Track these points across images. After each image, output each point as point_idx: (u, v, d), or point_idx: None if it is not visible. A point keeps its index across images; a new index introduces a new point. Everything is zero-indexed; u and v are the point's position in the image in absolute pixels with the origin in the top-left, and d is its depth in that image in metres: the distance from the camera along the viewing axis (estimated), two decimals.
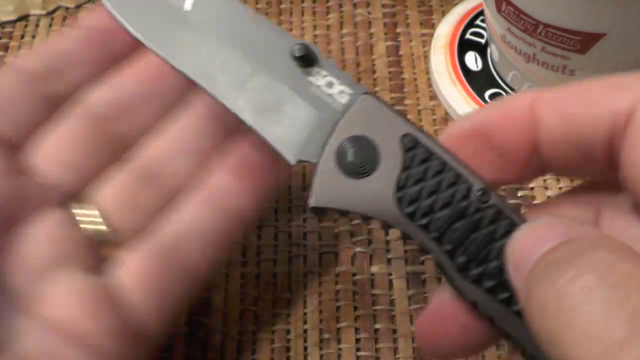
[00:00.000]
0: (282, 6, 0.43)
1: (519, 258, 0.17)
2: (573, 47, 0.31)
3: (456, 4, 0.42)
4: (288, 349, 0.30)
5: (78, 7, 0.43)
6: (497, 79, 0.37)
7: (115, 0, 0.24)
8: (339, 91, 0.22)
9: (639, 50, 0.32)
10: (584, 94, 0.18)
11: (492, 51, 0.37)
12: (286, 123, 0.22)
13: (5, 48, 0.41)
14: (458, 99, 0.37)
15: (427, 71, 0.39)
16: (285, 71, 0.22)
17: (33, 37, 0.41)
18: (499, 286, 0.19)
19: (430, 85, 0.39)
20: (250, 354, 0.30)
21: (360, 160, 0.21)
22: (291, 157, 0.22)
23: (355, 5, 0.42)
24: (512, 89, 0.37)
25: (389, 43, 0.41)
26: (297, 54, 0.22)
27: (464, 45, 0.39)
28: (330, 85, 0.22)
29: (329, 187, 0.21)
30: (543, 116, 0.18)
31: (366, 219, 0.21)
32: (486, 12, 0.35)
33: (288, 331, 0.31)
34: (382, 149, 0.21)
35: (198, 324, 0.31)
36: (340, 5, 0.43)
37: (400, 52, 0.40)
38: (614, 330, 0.13)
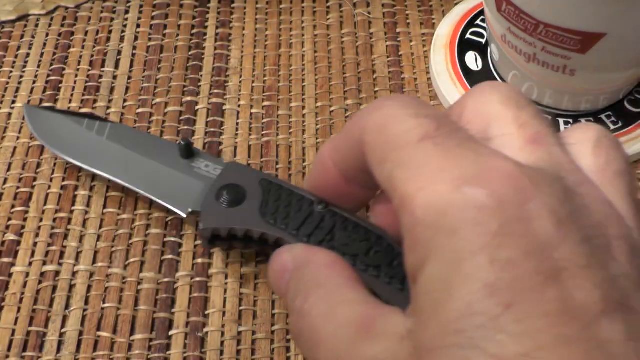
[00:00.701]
0: (282, 6, 0.43)
1: (275, 286, 0.24)
2: (573, 47, 0.31)
3: (456, 4, 0.42)
4: (288, 349, 0.30)
5: (78, 7, 0.43)
6: (497, 79, 0.37)
7: (47, 137, 0.35)
8: (213, 168, 0.32)
9: (639, 50, 0.32)
10: (347, 130, 0.23)
11: (493, 51, 0.37)
12: (178, 193, 0.32)
13: (5, 48, 0.41)
14: (458, 99, 0.37)
15: (427, 71, 0.39)
16: (175, 163, 0.33)
17: (33, 37, 0.41)
18: (343, 255, 0.27)
19: (430, 85, 0.39)
20: (250, 354, 0.30)
21: (232, 196, 0.30)
22: (183, 211, 0.32)
23: (355, 5, 0.42)
24: None
25: (389, 43, 0.41)
26: (182, 143, 0.33)
27: (464, 45, 0.39)
28: (207, 166, 0.33)
29: (212, 215, 0.30)
30: (333, 159, 0.24)
31: (245, 242, 0.30)
32: (486, 12, 0.35)
33: (288, 331, 0.31)
34: (247, 189, 0.30)
35: (197, 324, 0.31)
36: (340, 5, 0.43)
37: (400, 52, 0.40)
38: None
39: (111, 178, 0.33)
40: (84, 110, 0.38)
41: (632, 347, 0.16)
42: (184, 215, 0.32)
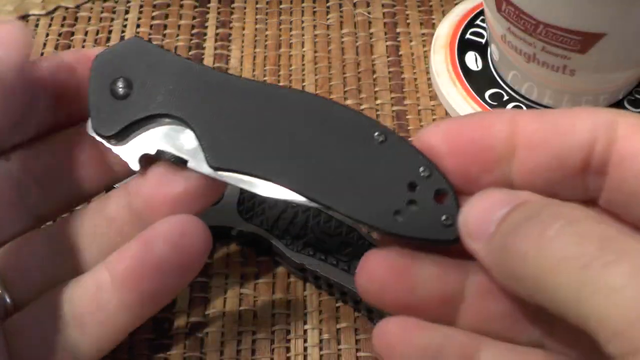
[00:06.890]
0: (282, 6, 0.43)
1: (473, 226, 0.20)
2: (573, 47, 0.31)
3: (456, 4, 0.42)
4: (288, 349, 0.30)
5: (78, 7, 0.43)
6: (497, 79, 0.37)
7: None
8: None
9: (639, 50, 0.32)
10: (563, 117, 0.21)
11: (492, 51, 0.37)
12: None
13: None
14: (458, 99, 0.37)
15: (427, 71, 0.39)
16: None
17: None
18: (316, 250, 0.29)
19: (430, 85, 0.39)
20: (250, 354, 0.30)
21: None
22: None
23: (355, 5, 0.42)
24: (512, 89, 0.37)
25: (389, 43, 0.41)
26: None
27: (464, 45, 0.39)
28: None
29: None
30: (522, 135, 0.21)
31: (225, 237, 0.31)
32: (486, 12, 0.35)
33: (288, 331, 0.31)
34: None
35: (197, 324, 0.31)
36: (340, 5, 0.43)
37: (400, 52, 0.40)
38: (586, 252, 0.17)
39: None
40: None
41: None
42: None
